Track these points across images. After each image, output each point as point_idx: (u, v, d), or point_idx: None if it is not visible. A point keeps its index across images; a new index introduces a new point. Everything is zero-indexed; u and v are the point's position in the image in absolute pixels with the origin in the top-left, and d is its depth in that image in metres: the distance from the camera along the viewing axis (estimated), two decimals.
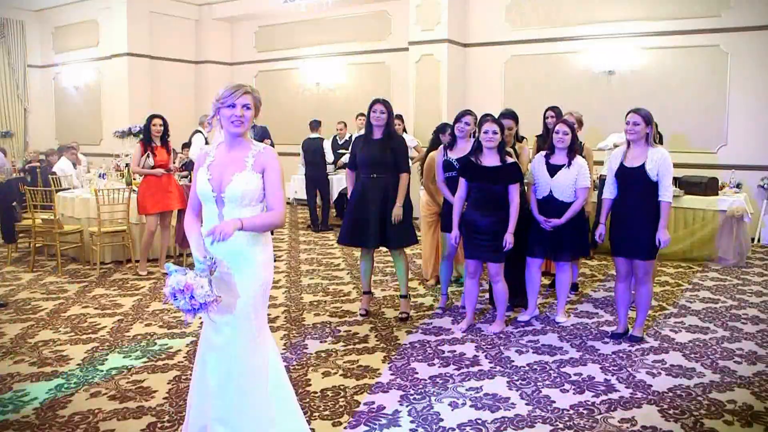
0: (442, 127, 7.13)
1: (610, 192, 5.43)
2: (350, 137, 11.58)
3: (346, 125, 11.96)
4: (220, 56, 16.02)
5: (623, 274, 5.45)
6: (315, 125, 11.45)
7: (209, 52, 15.87)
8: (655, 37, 10.58)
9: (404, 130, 10.90)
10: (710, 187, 8.63)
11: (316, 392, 4.40)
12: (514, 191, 5.49)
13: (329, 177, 11.62)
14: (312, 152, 11.21)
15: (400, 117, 11.03)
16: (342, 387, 4.49)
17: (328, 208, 11.84)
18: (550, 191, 5.74)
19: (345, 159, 11.41)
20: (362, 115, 10.98)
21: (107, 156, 13.45)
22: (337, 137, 11.96)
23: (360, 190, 5.99)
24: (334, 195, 11.86)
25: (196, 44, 15.95)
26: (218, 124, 3.26)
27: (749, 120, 10.02)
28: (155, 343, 5.43)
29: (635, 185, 5.23)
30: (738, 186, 9.08)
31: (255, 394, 3.20)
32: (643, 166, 5.17)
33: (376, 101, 5.92)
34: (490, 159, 5.50)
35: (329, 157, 11.46)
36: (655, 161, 5.15)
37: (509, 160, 5.56)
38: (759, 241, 9.86)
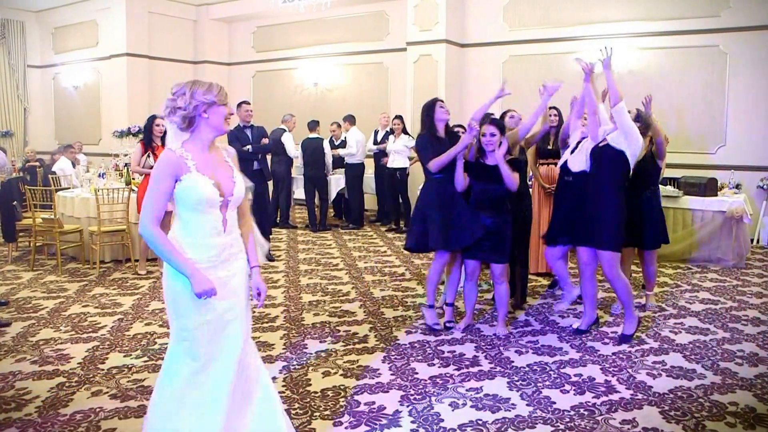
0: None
1: None
2: (345, 138, 11.60)
3: (339, 126, 11.94)
4: (218, 56, 16.03)
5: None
6: (313, 125, 11.45)
7: (207, 53, 15.87)
8: (654, 38, 10.60)
9: (403, 130, 10.95)
10: (709, 188, 8.63)
11: (316, 392, 4.41)
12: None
13: (328, 177, 11.62)
14: (311, 152, 11.21)
15: (399, 117, 11.10)
16: (342, 387, 4.50)
17: (327, 209, 11.85)
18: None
19: (343, 151, 11.47)
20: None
21: (106, 156, 13.46)
22: (333, 138, 11.95)
23: (451, 192, 5.66)
24: (333, 195, 11.87)
25: (194, 44, 15.96)
26: (191, 123, 3.08)
27: (748, 120, 10.04)
28: (155, 342, 5.44)
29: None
30: (737, 186, 9.09)
31: None
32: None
33: (438, 99, 5.84)
34: (492, 159, 5.51)
35: (329, 157, 11.45)
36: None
37: (509, 156, 5.64)
38: (758, 242, 9.88)
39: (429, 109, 5.73)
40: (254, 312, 6.36)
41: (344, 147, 11.51)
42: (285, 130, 11.31)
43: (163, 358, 4.99)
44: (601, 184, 5.31)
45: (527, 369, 4.85)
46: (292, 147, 11.27)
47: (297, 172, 12.24)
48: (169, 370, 3.12)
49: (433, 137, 5.68)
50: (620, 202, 5.32)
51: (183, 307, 3.06)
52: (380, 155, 11.43)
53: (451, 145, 5.54)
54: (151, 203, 3.01)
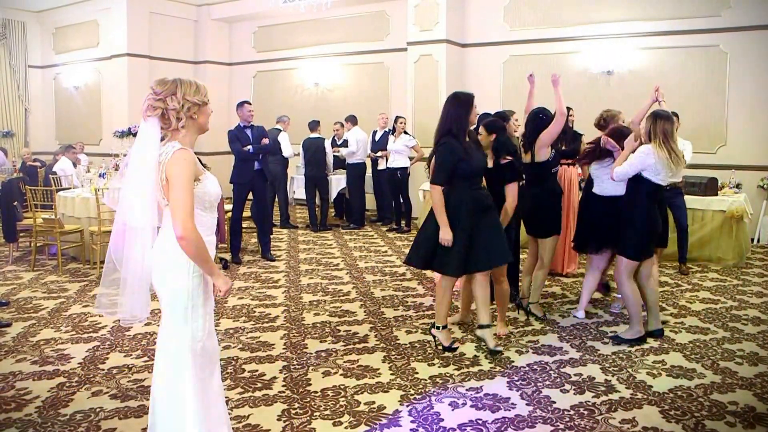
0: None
1: None
2: (347, 138, 11.61)
3: (343, 125, 11.95)
4: (218, 56, 16.04)
5: None
6: (314, 125, 11.46)
7: (208, 53, 15.88)
8: (654, 37, 10.59)
9: (404, 131, 10.96)
10: (710, 188, 8.63)
11: (316, 392, 4.41)
12: (508, 190, 5.48)
13: (329, 177, 11.64)
14: (313, 152, 11.21)
15: (402, 117, 11.15)
16: (342, 387, 4.50)
17: (328, 208, 11.85)
18: None
19: (344, 150, 11.46)
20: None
21: (107, 156, 13.46)
22: (336, 137, 11.96)
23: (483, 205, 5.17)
24: (333, 195, 11.88)
25: (194, 45, 15.97)
26: (184, 123, 3.02)
27: (749, 120, 10.04)
28: (156, 342, 5.42)
29: None
30: (738, 186, 9.08)
31: None
32: None
33: (472, 96, 5.20)
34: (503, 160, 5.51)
35: (330, 157, 11.47)
36: None
37: (506, 159, 5.52)
38: (759, 241, 9.87)
39: (466, 106, 5.08)
40: (254, 312, 6.37)
41: (347, 146, 11.51)
42: (281, 131, 11.32)
43: None
44: (629, 194, 5.41)
45: (527, 369, 4.85)
46: (288, 147, 11.29)
47: (297, 172, 12.25)
48: (188, 377, 3.04)
49: (459, 150, 4.96)
50: (645, 215, 5.30)
51: (202, 309, 3.09)
52: (375, 159, 11.48)
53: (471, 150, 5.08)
54: (189, 204, 2.89)
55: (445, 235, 4.91)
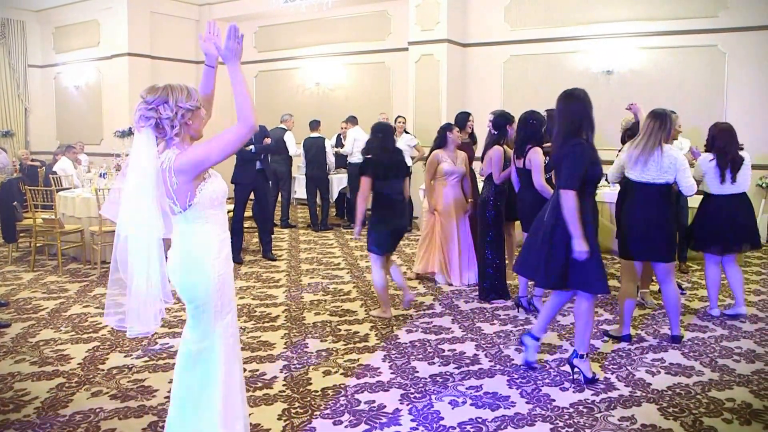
0: (448, 126, 7.35)
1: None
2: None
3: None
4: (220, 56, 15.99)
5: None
6: (315, 125, 11.47)
7: None
8: (654, 37, 10.59)
9: (404, 130, 10.96)
10: None
11: (316, 391, 4.42)
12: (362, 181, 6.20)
13: (330, 176, 11.65)
14: (314, 151, 11.23)
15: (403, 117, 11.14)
16: (342, 386, 4.51)
17: (329, 208, 11.86)
18: None
19: (345, 151, 11.47)
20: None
21: (108, 156, 13.47)
22: (342, 136, 11.96)
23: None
24: (335, 194, 11.89)
25: (196, 44, 15.94)
26: (178, 131, 2.97)
27: (747, 120, 10.00)
28: (156, 342, 5.44)
29: None
30: None
31: None
32: None
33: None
34: None
35: (330, 156, 11.49)
36: None
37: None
38: None
39: (590, 104, 4.72)
40: (255, 312, 6.38)
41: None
42: (285, 130, 11.34)
43: (162, 358, 5.01)
44: None
45: (527, 367, 4.86)
46: (293, 146, 11.31)
47: (299, 171, 12.26)
48: (218, 373, 3.10)
49: (593, 153, 4.55)
50: (621, 213, 5.47)
51: (229, 305, 3.16)
52: None
53: None
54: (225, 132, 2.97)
55: (582, 247, 4.27)
